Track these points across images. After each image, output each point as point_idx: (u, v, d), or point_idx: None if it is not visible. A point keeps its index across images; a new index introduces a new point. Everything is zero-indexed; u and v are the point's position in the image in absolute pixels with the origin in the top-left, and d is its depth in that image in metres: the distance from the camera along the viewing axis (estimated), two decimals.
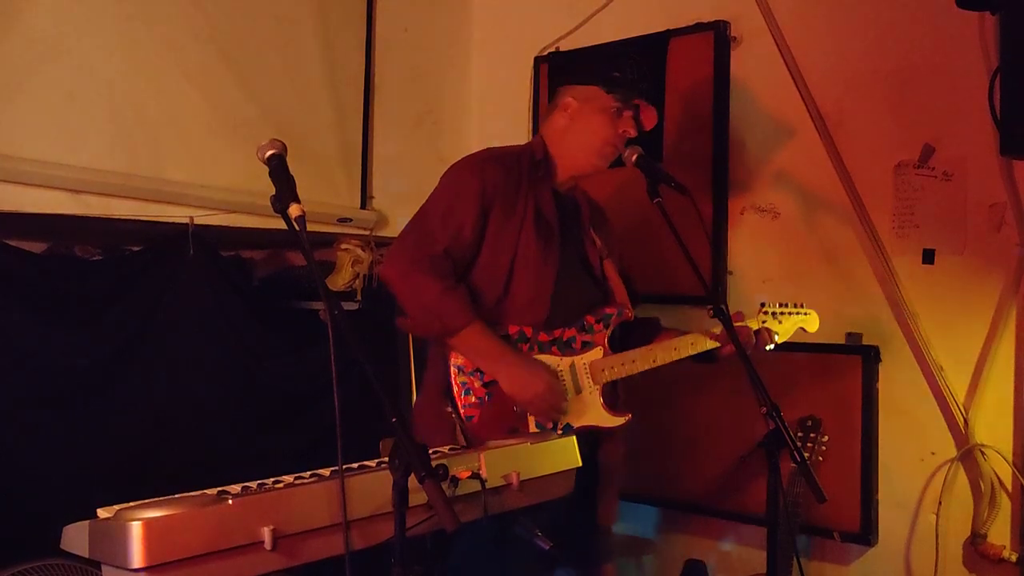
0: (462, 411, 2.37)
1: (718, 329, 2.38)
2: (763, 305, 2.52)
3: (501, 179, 2.42)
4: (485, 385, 2.39)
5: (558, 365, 2.43)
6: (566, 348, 2.45)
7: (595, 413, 2.44)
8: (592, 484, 2.52)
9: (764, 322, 2.49)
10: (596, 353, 2.46)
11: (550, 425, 2.39)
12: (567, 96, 2.52)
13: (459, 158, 2.54)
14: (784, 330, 2.50)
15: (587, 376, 2.45)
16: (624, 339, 2.54)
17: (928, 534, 2.83)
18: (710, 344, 2.43)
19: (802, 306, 2.53)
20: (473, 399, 2.38)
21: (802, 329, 2.52)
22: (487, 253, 2.42)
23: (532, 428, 2.39)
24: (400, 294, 2.41)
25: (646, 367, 2.44)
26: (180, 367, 3.01)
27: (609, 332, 2.48)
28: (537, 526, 1.98)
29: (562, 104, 2.52)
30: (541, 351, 2.43)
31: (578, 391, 2.44)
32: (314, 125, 3.39)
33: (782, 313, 2.51)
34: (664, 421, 3.21)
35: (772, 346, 2.49)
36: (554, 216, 2.48)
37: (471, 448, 1.97)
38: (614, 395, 2.52)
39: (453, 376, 2.39)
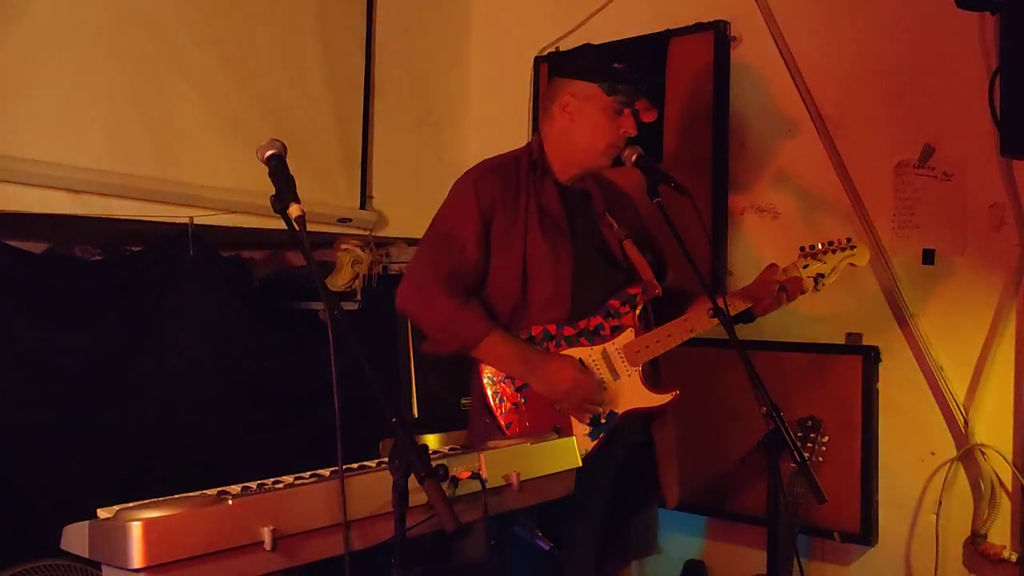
0: (501, 420, 2.37)
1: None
2: (802, 249, 2.45)
3: (497, 188, 2.41)
4: (518, 390, 2.38)
5: (590, 355, 2.40)
6: (595, 337, 2.42)
7: (637, 395, 2.40)
8: (652, 466, 2.50)
9: (806, 266, 2.42)
10: (627, 335, 2.42)
11: (587, 419, 2.37)
12: (566, 94, 2.46)
13: (458, 158, 2.55)
14: (830, 268, 2.41)
15: (622, 360, 2.41)
16: (659, 315, 2.51)
17: (928, 534, 2.83)
18: (742, 305, 2.41)
19: (849, 240, 2.44)
20: (509, 406, 2.38)
21: (852, 264, 2.43)
22: (497, 262, 2.42)
23: (575, 424, 2.36)
24: (415, 318, 2.44)
25: (683, 338, 2.40)
26: (180, 367, 3.00)
27: (638, 312, 2.44)
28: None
29: (561, 102, 2.46)
30: (569, 345, 2.40)
31: (616, 377, 2.40)
32: (314, 125, 3.39)
33: (824, 252, 2.42)
34: None
35: (818, 288, 2.41)
36: (560, 211, 2.47)
37: (471, 448, 1.96)
38: (656, 374, 2.48)
39: (485, 387, 2.39)
